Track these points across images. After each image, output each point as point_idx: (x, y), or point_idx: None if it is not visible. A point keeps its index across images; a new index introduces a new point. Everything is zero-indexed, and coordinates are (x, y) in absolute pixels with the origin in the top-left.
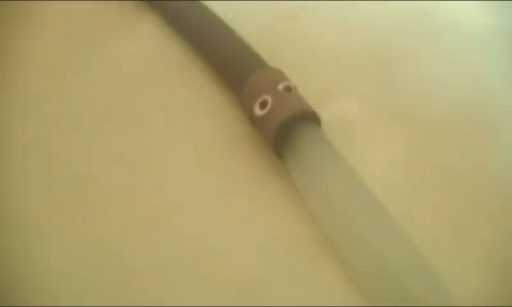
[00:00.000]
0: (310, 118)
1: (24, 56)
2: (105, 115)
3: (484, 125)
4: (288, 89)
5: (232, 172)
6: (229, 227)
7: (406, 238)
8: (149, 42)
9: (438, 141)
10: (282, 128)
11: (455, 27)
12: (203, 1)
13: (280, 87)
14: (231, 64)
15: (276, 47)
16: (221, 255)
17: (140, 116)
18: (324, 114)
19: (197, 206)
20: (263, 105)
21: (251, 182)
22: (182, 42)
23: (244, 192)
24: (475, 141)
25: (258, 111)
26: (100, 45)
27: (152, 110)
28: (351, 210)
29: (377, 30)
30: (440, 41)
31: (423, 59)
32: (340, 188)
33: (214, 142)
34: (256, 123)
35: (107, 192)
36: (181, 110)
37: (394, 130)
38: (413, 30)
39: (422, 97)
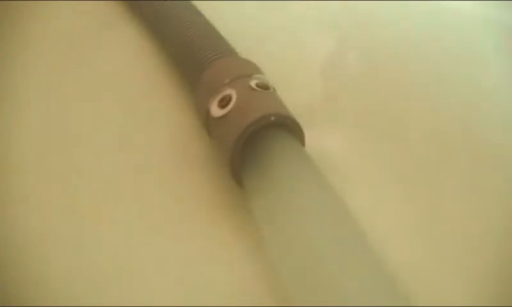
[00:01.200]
0: (289, 126)
1: (22, 56)
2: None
3: (481, 153)
4: (263, 86)
5: (171, 201)
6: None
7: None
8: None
9: (434, 176)
10: (246, 136)
11: (456, 45)
12: None
13: (252, 82)
14: (189, 51)
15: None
16: None
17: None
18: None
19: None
20: (224, 102)
21: (197, 216)
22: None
23: (186, 228)
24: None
25: (215, 110)
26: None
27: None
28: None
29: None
30: (440, 61)
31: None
32: (323, 233)
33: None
34: (211, 128)
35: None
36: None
37: (385, 164)
38: (418, 51)
39: (417, 123)
